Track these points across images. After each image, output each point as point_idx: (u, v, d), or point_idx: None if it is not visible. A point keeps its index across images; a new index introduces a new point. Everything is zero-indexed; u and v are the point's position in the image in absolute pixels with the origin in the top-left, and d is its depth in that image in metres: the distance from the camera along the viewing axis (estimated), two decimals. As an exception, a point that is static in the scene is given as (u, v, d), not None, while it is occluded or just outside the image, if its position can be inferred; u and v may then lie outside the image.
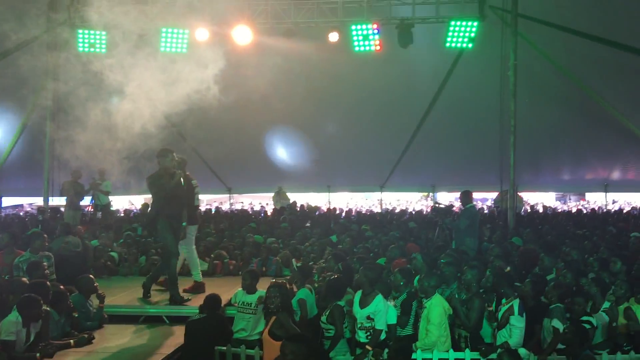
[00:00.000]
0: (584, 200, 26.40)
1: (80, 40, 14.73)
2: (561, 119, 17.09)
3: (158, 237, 8.80)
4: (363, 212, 19.59)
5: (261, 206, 22.41)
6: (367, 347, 6.28)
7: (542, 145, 17.76)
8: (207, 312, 6.54)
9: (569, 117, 17.02)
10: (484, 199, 26.07)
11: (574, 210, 20.46)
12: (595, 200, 23.80)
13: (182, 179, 8.48)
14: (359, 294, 6.65)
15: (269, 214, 18.81)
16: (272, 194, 21.34)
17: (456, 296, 6.76)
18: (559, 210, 21.01)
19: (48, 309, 6.25)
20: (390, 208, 21.74)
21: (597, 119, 16.57)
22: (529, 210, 19.85)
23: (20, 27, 13.80)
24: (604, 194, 20.82)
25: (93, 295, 7.50)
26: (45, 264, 7.75)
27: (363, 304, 6.52)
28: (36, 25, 14.36)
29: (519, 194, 19.72)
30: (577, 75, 15.23)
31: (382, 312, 6.42)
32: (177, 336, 6.81)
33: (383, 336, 6.32)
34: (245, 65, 15.50)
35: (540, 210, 20.17)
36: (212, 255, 11.01)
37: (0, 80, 14.04)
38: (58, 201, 15.65)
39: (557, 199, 28.63)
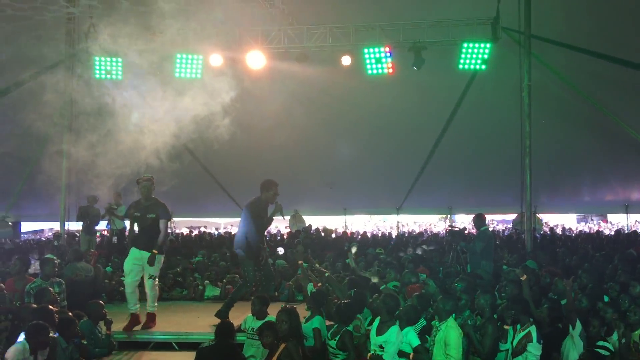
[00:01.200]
0: (606, 221, 25.96)
1: (97, 67, 14.95)
2: (579, 139, 16.88)
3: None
4: (379, 235, 19.40)
5: (277, 230, 22.35)
6: None
7: (561, 166, 17.52)
8: (218, 339, 6.43)
9: (587, 138, 16.80)
10: (504, 220, 25.79)
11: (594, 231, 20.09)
12: (619, 221, 23.41)
13: None
14: (377, 320, 6.59)
15: (284, 237, 18.75)
16: (288, 217, 21.32)
17: (469, 322, 6.61)
18: (578, 232, 20.61)
19: (55, 336, 6.22)
20: (407, 230, 21.55)
21: (615, 139, 16.33)
22: (547, 232, 19.48)
23: (39, 54, 14.12)
24: (625, 214, 20.46)
25: (101, 322, 7.46)
26: (55, 290, 7.76)
27: (379, 331, 6.49)
28: (54, 52, 14.69)
29: (538, 215, 19.46)
30: (593, 96, 15.07)
31: (393, 343, 6.32)
32: (185, 363, 6.73)
33: None
34: (259, 89, 15.62)
35: (560, 232, 19.81)
36: (224, 280, 10.95)
37: (19, 106, 14.27)
38: (75, 226, 15.76)
39: (579, 220, 28.21)
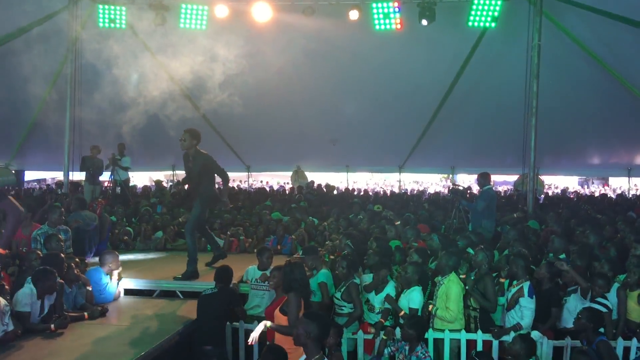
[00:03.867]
0: (607, 185, 26.00)
1: (101, 15, 14.71)
2: (585, 102, 16.71)
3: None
4: (381, 193, 19.47)
5: (280, 185, 22.45)
6: (381, 320, 6.43)
7: (565, 128, 17.41)
8: (219, 286, 6.51)
9: (594, 100, 16.63)
10: (505, 182, 25.85)
11: (596, 194, 20.14)
12: (620, 185, 23.45)
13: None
14: (370, 278, 6.72)
15: (286, 192, 18.85)
16: (290, 173, 21.40)
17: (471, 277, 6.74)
18: (576, 194, 20.67)
19: (62, 281, 6.33)
20: (409, 189, 21.63)
21: (621, 102, 16.16)
22: (548, 194, 19.54)
23: (43, 2, 13.90)
24: (627, 178, 20.49)
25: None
26: (61, 237, 7.86)
27: (377, 289, 6.68)
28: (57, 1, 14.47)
29: (540, 177, 19.48)
30: (603, 58, 14.87)
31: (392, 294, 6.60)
32: (190, 311, 6.85)
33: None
34: (264, 42, 15.42)
35: (560, 194, 19.88)
36: (228, 233, 11.06)
37: (22, 55, 14.13)
38: (78, 176, 15.82)
39: (580, 183, 28.27)
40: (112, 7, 14.63)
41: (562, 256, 7.63)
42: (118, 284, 7.60)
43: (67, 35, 14.87)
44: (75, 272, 6.86)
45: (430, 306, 6.49)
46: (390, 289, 6.63)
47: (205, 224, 9.20)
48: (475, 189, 12.72)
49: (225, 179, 8.62)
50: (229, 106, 13.62)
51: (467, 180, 23.21)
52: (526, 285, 6.31)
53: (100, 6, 14.69)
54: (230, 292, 6.62)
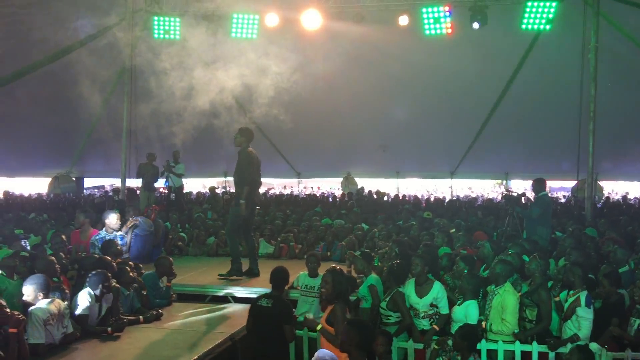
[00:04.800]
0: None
1: (156, 26, 15.15)
2: (645, 104, 16.11)
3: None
4: (432, 199, 19.22)
5: (332, 192, 22.48)
6: (434, 326, 6.32)
7: (625, 132, 16.82)
8: (274, 295, 6.33)
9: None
10: (562, 188, 25.09)
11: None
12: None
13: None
14: (411, 283, 6.61)
15: (337, 198, 18.85)
16: (340, 180, 21.41)
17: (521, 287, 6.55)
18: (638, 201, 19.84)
19: (118, 285, 6.52)
20: (461, 196, 21.28)
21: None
22: (606, 200, 18.84)
23: (100, 14, 14.42)
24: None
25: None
26: (119, 242, 8.11)
27: (421, 293, 6.53)
28: (115, 12, 14.96)
29: (599, 183, 18.84)
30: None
31: (444, 297, 6.45)
32: (241, 316, 6.93)
33: (454, 328, 6.18)
34: (314, 49, 15.51)
35: (621, 201, 19.14)
36: (278, 239, 11.15)
37: (81, 66, 14.67)
38: (135, 183, 16.29)
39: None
40: (167, 19, 15.06)
41: (624, 268, 7.35)
42: (171, 288, 7.76)
43: (124, 46, 15.37)
44: (131, 274, 7.05)
45: (483, 323, 6.29)
46: (437, 289, 6.47)
47: (250, 227, 9.17)
48: (531, 195, 12.39)
49: (245, 180, 8.50)
50: (280, 114, 13.79)
51: (522, 187, 22.65)
52: (583, 295, 6.10)
53: (156, 18, 15.14)
54: (284, 306, 5.98)
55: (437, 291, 6.45)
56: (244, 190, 8.44)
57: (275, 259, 10.37)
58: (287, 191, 22.95)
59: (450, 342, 5.99)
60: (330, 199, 19.21)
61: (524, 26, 13.50)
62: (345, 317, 5.40)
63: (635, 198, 20.47)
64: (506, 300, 6.19)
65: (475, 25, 13.52)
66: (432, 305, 6.46)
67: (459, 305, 6.35)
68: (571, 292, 6.27)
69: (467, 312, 6.25)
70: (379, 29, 14.68)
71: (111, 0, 14.90)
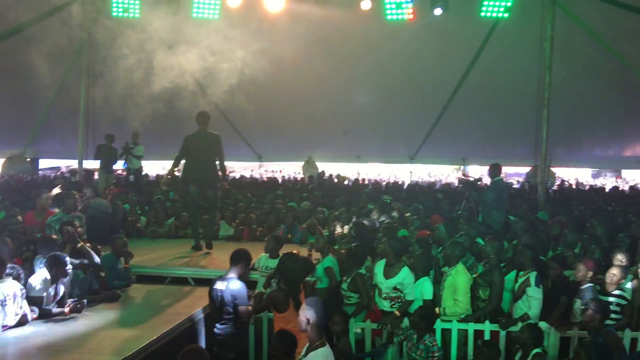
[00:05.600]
0: (620, 177, 25.78)
1: (115, 4, 14.82)
2: (599, 93, 16.61)
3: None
4: (391, 183, 19.46)
5: (293, 175, 22.46)
6: (396, 312, 6.41)
7: (578, 120, 17.32)
8: (228, 277, 6.35)
9: (608, 92, 16.53)
10: (517, 173, 25.70)
11: (608, 187, 19.99)
12: (634, 178, 23.25)
13: None
14: (381, 263, 6.69)
15: (298, 182, 18.90)
16: (302, 163, 21.44)
17: (477, 269, 6.76)
18: (590, 186, 20.52)
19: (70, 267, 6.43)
20: (419, 180, 21.58)
21: (636, 94, 16.05)
22: (559, 186, 19.44)
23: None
24: (641, 170, 20.35)
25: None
26: (77, 223, 7.98)
27: (388, 274, 6.59)
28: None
29: (552, 169, 19.38)
30: (617, 49, 14.74)
31: (409, 284, 6.50)
32: (200, 297, 6.96)
33: (413, 307, 6.34)
34: (276, 32, 15.44)
35: (574, 186, 19.75)
36: (237, 221, 11.16)
37: (36, 43, 14.26)
38: (92, 164, 16.00)
39: (593, 175, 28.01)
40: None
41: (576, 250, 7.64)
42: (130, 270, 7.72)
43: (82, 24, 14.98)
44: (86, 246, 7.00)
45: (437, 309, 6.47)
46: (404, 274, 6.56)
47: (196, 204, 9.61)
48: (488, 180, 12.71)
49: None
50: (241, 95, 13.74)
51: (479, 172, 23.14)
52: (533, 275, 6.33)
53: (114, -5, 14.82)
54: (236, 287, 5.85)
55: (404, 277, 6.49)
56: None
57: (236, 240, 10.40)
58: (248, 173, 22.86)
59: (404, 324, 6.17)
60: (291, 183, 19.25)
61: (482, 14, 13.74)
62: (279, 301, 5.56)
63: (582, 183, 21.16)
64: (457, 280, 6.40)
65: (438, 11, 13.70)
66: (395, 288, 6.53)
67: (414, 285, 6.54)
68: (521, 272, 6.50)
69: (422, 288, 6.45)
70: (342, 12, 14.72)
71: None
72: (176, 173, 9.88)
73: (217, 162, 9.23)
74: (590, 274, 6.38)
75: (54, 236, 7.28)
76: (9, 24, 14.73)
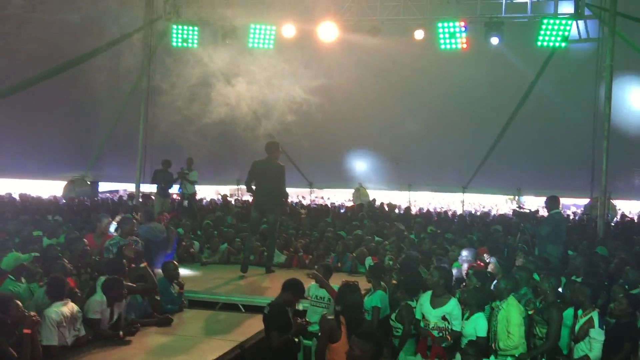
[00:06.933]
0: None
1: (174, 35, 15.38)
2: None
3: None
4: (442, 213, 19.19)
5: (341, 203, 22.45)
6: (447, 336, 6.23)
7: (638, 151, 16.74)
8: (273, 303, 6.38)
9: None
10: (575, 205, 24.91)
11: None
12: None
13: None
14: (428, 294, 6.57)
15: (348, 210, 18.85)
16: (352, 191, 21.43)
17: (534, 305, 6.55)
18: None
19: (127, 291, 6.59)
20: (473, 210, 21.20)
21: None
22: (619, 219, 18.71)
23: (120, 22, 14.67)
24: None
25: (174, 281, 7.84)
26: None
27: (435, 304, 6.45)
28: (135, 20, 15.22)
29: (613, 201, 18.71)
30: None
31: (458, 316, 6.35)
32: (250, 324, 7.01)
33: (464, 342, 6.16)
34: (330, 61, 15.66)
35: (635, 220, 18.96)
36: (290, 249, 11.20)
37: (100, 71, 14.91)
38: (149, 188, 16.46)
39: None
40: (186, 27, 15.28)
41: (636, 290, 7.31)
42: (182, 295, 7.84)
43: (143, 53, 15.60)
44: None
45: (493, 345, 6.27)
46: (453, 304, 6.41)
47: (256, 231, 10.13)
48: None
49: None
50: (294, 124, 13.97)
51: (535, 203, 22.54)
52: (595, 315, 6.08)
53: (174, 26, 15.37)
54: (275, 312, 5.96)
55: (452, 307, 6.35)
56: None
57: (286, 268, 10.43)
58: (299, 201, 22.96)
59: (458, 357, 6.02)
60: (342, 210, 19.22)
61: (539, 43, 13.53)
62: (331, 329, 5.47)
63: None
64: (510, 314, 6.21)
65: (495, 40, 13.57)
66: (444, 318, 6.35)
67: (466, 319, 6.37)
68: (580, 312, 6.26)
69: (476, 325, 6.27)
70: (395, 42, 14.80)
71: (129, 9, 15.14)
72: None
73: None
74: None
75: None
76: (74, 53, 15.51)
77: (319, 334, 5.75)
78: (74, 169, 21.23)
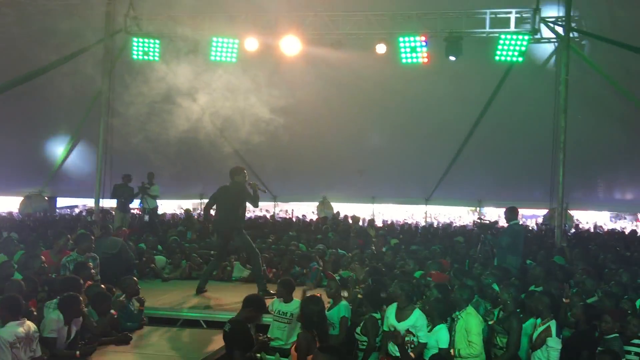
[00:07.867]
0: (639, 221, 25.40)
1: (135, 48, 15.20)
2: (616, 136, 16.52)
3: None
4: (406, 225, 19.36)
5: (303, 215, 22.43)
6: (411, 353, 6.17)
7: (596, 163, 17.23)
8: (234, 320, 6.30)
9: (624, 135, 16.44)
10: (534, 215, 25.46)
11: (628, 231, 19.67)
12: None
13: None
14: (393, 307, 6.56)
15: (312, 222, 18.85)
16: (316, 204, 21.44)
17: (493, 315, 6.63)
18: (608, 230, 20.21)
19: (86, 309, 6.44)
20: (435, 222, 21.45)
21: (654, 137, 15.96)
22: (576, 228, 19.20)
23: (78, 35, 14.43)
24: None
25: (134, 297, 7.68)
26: (91, 264, 8.01)
27: (400, 317, 6.43)
28: (93, 33, 14.99)
29: (570, 212, 19.18)
30: (632, 92, 14.73)
31: (422, 327, 6.31)
32: (212, 340, 6.90)
33: (427, 354, 6.16)
34: (293, 75, 15.68)
35: (592, 230, 19.49)
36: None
37: (57, 85, 14.62)
38: (109, 203, 16.14)
39: (611, 218, 27.65)
40: (146, 40, 15.12)
41: (593, 298, 7.47)
42: (142, 312, 7.68)
43: (102, 67, 15.36)
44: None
45: (452, 350, 6.31)
46: (416, 316, 6.36)
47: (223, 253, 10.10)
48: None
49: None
50: (257, 136, 13.93)
51: (496, 214, 22.95)
52: (553, 324, 6.18)
53: (135, 39, 15.19)
54: (237, 331, 5.78)
55: (416, 318, 6.31)
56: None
57: (250, 282, 10.31)
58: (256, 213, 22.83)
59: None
60: (304, 223, 19.20)
61: (497, 57, 13.85)
62: (309, 346, 5.42)
63: (600, 227, 20.86)
64: (469, 323, 6.26)
65: (452, 58, 13.85)
66: (409, 331, 6.32)
67: (428, 332, 6.38)
68: (539, 320, 6.35)
69: (437, 337, 6.29)
70: (357, 56, 14.89)
71: (90, 21, 14.91)
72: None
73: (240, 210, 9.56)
74: (617, 324, 6.22)
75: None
76: (33, 65, 15.17)
77: (297, 351, 5.62)
78: (31, 184, 20.69)
